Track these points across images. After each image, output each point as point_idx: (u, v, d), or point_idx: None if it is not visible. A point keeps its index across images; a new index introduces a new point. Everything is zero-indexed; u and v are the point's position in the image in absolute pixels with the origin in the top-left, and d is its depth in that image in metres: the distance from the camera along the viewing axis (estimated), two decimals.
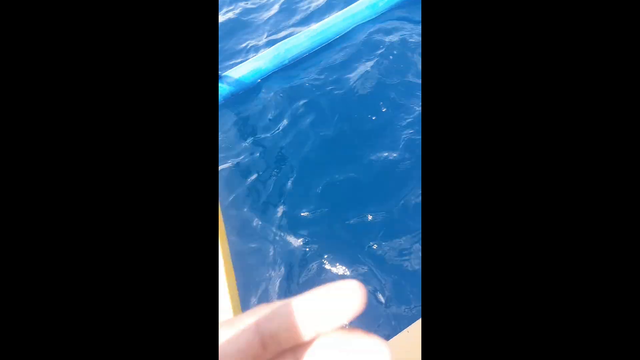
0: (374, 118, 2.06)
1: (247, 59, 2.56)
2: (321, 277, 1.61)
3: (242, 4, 3.21)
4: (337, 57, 2.42)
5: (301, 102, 2.27)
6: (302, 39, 2.44)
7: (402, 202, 1.71)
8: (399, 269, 1.54)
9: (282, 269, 1.68)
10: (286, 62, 2.45)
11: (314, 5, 2.87)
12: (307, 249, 1.71)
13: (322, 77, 2.35)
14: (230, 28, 3.03)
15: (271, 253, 1.75)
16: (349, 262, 1.62)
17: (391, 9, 2.49)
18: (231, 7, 3.24)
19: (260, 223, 1.87)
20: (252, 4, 3.17)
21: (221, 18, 3.15)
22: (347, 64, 2.37)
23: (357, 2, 2.51)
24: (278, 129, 2.22)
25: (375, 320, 1.45)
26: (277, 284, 1.65)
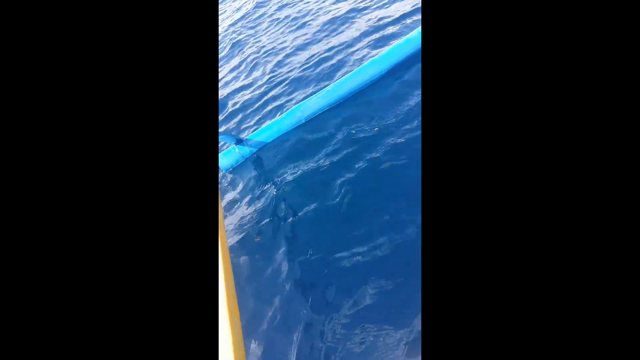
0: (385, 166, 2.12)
1: (265, 122, 2.79)
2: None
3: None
4: (354, 111, 2.61)
5: (316, 155, 2.39)
6: (317, 100, 2.67)
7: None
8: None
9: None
10: (303, 120, 2.65)
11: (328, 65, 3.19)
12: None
13: (340, 130, 2.50)
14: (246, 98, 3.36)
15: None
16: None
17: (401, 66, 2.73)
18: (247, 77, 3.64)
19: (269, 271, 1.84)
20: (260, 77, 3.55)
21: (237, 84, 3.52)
22: (362, 118, 2.53)
23: (369, 60, 2.77)
24: (290, 181, 2.31)
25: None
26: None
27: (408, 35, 2.79)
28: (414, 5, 3.46)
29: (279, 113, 2.96)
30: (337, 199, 2.06)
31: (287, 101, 3.10)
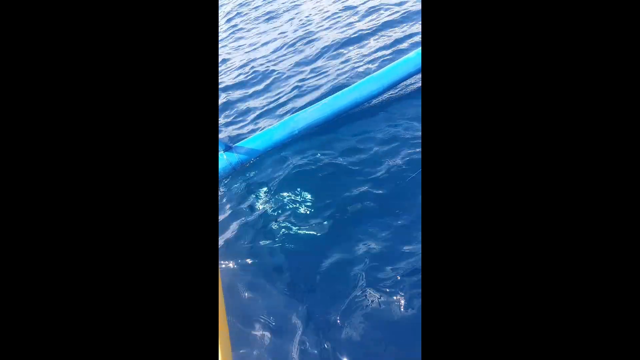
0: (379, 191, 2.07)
1: (257, 131, 2.71)
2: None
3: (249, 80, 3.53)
4: (347, 127, 2.56)
5: (306, 170, 2.33)
6: (311, 112, 2.61)
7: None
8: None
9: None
10: (296, 132, 2.58)
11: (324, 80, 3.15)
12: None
13: (329, 148, 2.45)
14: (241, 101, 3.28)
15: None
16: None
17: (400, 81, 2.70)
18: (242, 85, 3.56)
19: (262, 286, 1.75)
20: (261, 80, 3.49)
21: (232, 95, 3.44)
22: (355, 135, 2.48)
23: (366, 77, 2.74)
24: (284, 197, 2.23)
25: None
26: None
27: (407, 55, 2.78)
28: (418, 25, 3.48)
29: (271, 122, 2.89)
30: (327, 213, 1.99)
31: (281, 109, 3.04)
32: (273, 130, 2.61)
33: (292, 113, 2.80)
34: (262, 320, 1.66)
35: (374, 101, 2.71)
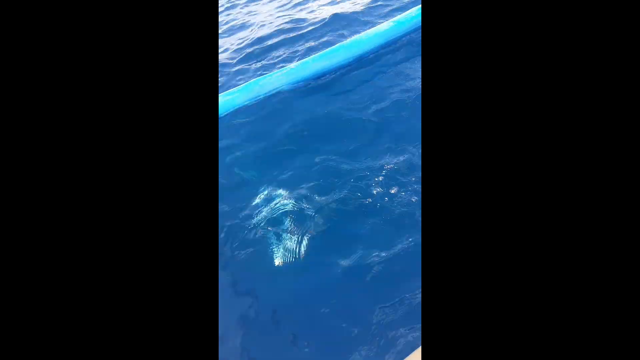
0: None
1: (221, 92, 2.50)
2: None
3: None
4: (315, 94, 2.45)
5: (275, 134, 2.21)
6: (278, 77, 2.46)
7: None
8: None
9: None
10: (261, 97, 2.42)
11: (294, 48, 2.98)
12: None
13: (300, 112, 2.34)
14: None
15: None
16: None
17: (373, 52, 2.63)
18: None
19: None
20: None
21: None
22: (322, 102, 2.40)
23: (334, 46, 2.63)
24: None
25: None
26: None
27: (377, 27, 2.71)
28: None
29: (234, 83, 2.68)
30: (292, 187, 1.92)
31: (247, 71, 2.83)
32: (235, 93, 2.42)
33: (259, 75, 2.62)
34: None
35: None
